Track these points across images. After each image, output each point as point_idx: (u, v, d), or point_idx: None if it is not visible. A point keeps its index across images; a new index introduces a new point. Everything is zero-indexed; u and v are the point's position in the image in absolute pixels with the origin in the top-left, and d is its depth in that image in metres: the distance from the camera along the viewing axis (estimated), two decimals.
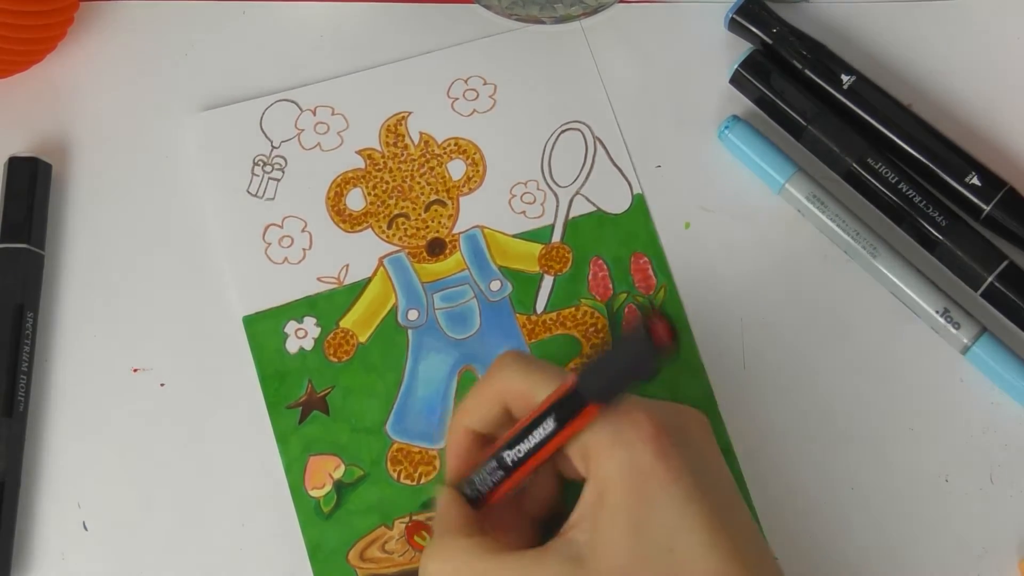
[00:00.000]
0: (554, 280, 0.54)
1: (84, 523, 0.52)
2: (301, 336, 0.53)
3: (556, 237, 0.55)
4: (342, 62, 0.57)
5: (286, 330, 0.54)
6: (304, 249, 0.55)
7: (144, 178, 0.56)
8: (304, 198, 0.55)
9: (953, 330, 0.51)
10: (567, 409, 0.43)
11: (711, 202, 0.55)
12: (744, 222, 0.55)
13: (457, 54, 0.57)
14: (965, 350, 0.52)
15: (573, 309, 0.54)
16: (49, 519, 0.52)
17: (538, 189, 0.55)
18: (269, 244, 0.55)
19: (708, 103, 0.56)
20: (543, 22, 0.57)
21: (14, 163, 0.55)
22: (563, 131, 0.56)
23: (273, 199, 0.55)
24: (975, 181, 0.53)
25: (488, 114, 0.56)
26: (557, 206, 0.55)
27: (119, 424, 0.53)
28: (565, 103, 0.56)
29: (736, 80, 0.55)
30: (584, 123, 0.56)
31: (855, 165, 0.53)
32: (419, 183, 0.55)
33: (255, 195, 0.55)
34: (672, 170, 0.55)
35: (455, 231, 0.55)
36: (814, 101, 0.54)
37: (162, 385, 0.53)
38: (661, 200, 0.55)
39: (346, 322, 0.54)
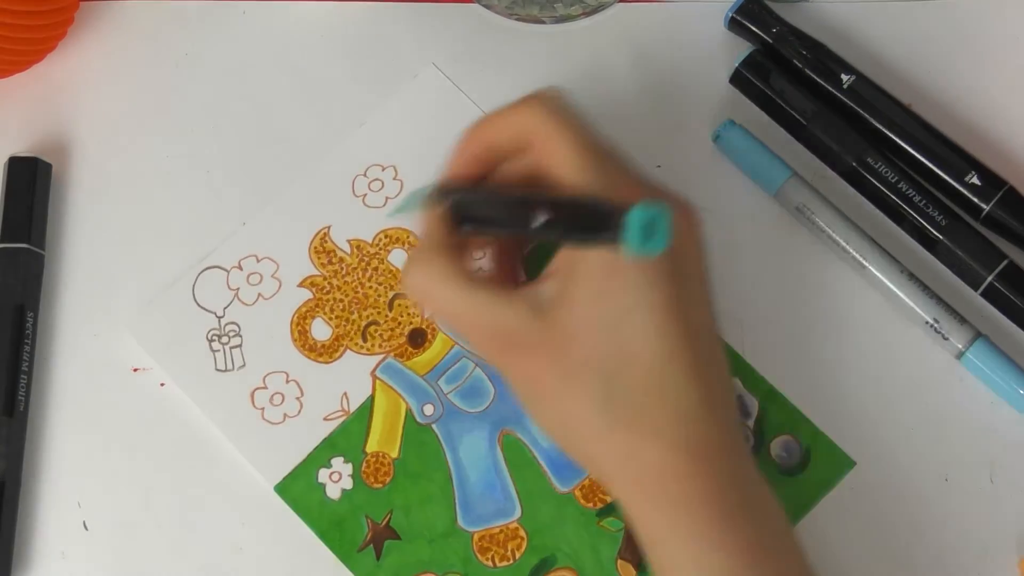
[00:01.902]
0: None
1: (84, 523, 0.52)
2: (336, 480, 0.52)
3: (521, 278, 0.53)
4: (342, 62, 0.57)
5: (320, 480, 0.52)
6: (297, 398, 0.53)
7: (144, 178, 0.56)
8: (273, 351, 0.54)
9: (943, 340, 0.51)
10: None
11: (711, 202, 0.55)
12: (745, 222, 0.54)
13: (345, 152, 0.56)
14: (959, 355, 0.52)
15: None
16: (49, 519, 0.52)
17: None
18: (262, 409, 0.53)
19: (708, 103, 0.56)
20: (543, 22, 0.57)
21: (14, 163, 0.55)
22: None
23: (244, 366, 0.54)
24: (975, 180, 0.53)
25: (401, 195, 0.55)
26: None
27: (119, 424, 0.53)
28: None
29: (736, 80, 0.55)
30: None
31: (855, 164, 0.53)
32: (371, 287, 0.54)
33: (225, 370, 0.54)
34: (672, 170, 0.55)
35: (427, 315, 0.54)
36: (814, 100, 0.54)
37: (162, 385, 0.53)
38: None
39: (371, 446, 0.52)
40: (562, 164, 0.44)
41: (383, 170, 0.56)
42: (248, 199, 0.56)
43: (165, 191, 0.56)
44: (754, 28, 0.55)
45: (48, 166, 0.56)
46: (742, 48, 0.56)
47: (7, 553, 0.51)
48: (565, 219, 0.42)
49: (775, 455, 0.52)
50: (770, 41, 0.55)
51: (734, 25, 0.56)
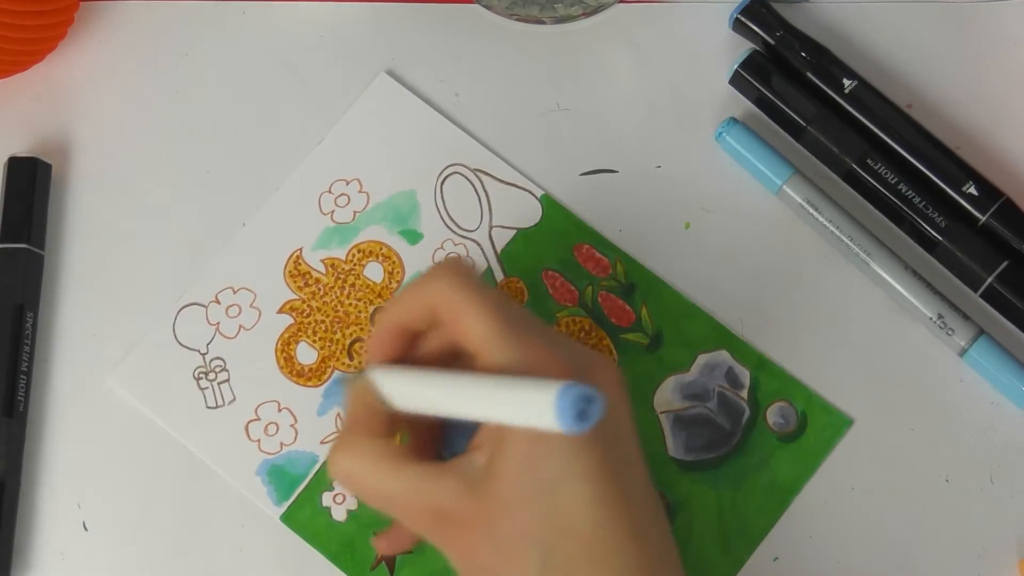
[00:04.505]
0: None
1: (84, 523, 0.52)
2: (340, 501, 0.52)
3: (499, 276, 0.54)
4: (342, 63, 0.57)
5: (325, 504, 0.52)
6: (292, 426, 0.53)
7: (144, 178, 0.56)
8: (261, 381, 0.54)
9: (948, 335, 0.52)
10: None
11: (711, 202, 0.55)
12: (745, 222, 0.55)
13: (307, 171, 0.56)
14: (962, 353, 0.52)
15: (556, 328, 0.53)
16: (49, 519, 0.52)
17: (455, 245, 0.55)
18: (259, 440, 0.53)
19: (708, 103, 0.56)
20: (543, 22, 0.57)
21: (14, 163, 0.55)
22: (443, 181, 0.55)
23: (235, 400, 0.53)
24: (972, 191, 0.53)
25: (369, 208, 0.55)
26: (481, 249, 0.55)
27: (119, 424, 0.53)
28: (426, 158, 0.56)
29: (735, 80, 0.55)
30: (457, 163, 0.55)
31: (855, 166, 0.53)
32: (351, 303, 0.54)
33: (216, 407, 0.53)
34: (672, 170, 0.55)
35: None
36: (814, 102, 0.54)
37: None
38: (661, 200, 0.55)
39: None
40: (475, 340, 0.43)
41: (347, 184, 0.56)
42: (248, 199, 0.56)
43: (165, 191, 0.56)
44: (758, 29, 0.55)
45: (48, 166, 0.55)
46: (743, 48, 0.55)
47: (7, 554, 0.51)
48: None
49: (771, 423, 0.52)
50: (772, 43, 0.55)
51: (738, 25, 0.56)
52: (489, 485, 0.42)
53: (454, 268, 0.45)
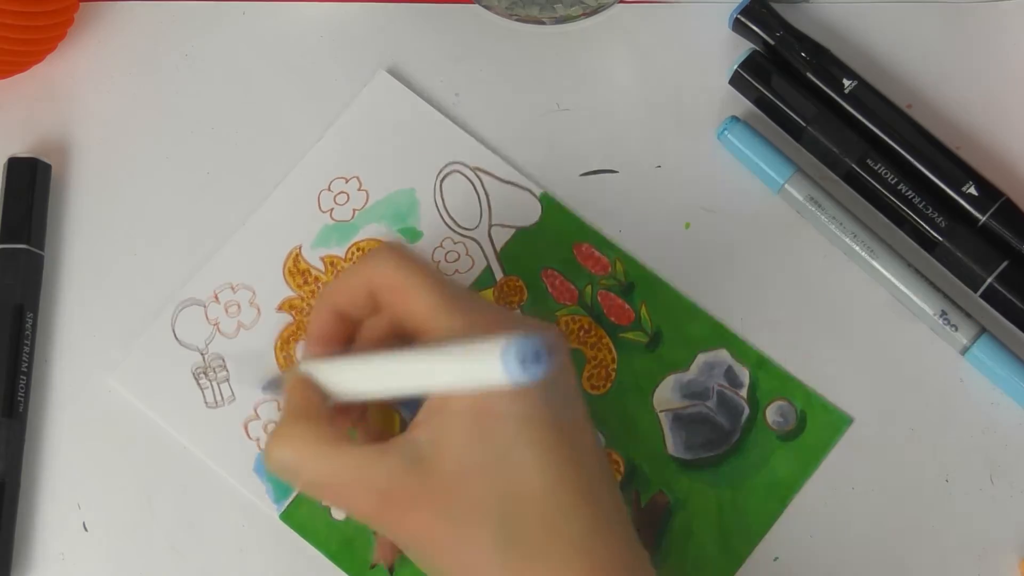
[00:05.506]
0: (521, 313, 0.54)
1: (84, 523, 0.52)
2: None
3: (498, 275, 0.54)
4: (342, 63, 0.57)
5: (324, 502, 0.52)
6: None
7: (144, 178, 0.56)
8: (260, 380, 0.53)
9: (951, 332, 0.52)
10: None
11: (711, 202, 0.55)
12: (745, 222, 0.55)
13: (306, 168, 0.56)
14: (964, 351, 0.52)
15: (556, 326, 0.54)
16: (49, 519, 0.52)
17: (455, 244, 0.55)
18: (258, 439, 0.53)
19: (708, 103, 0.56)
20: (543, 23, 0.57)
21: (14, 163, 0.55)
22: (442, 179, 0.55)
23: (234, 398, 0.53)
24: (972, 191, 0.53)
25: (368, 206, 0.55)
26: (481, 248, 0.55)
27: (119, 425, 0.53)
28: (426, 157, 0.56)
29: (735, 81, 0.55)
30: (456, 161, 0.55)
31: (855, 166, 0.53)
32: None
33: (215, 405, 0.53)
34: (672, 170, 0.55)
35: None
36: (814, 102, 0.54)
37: None
38: (661, 200, 0.55)
39: None
40: (420, 314, 0.43)
41: (347, 182, 0.56)
42: (248, 198, 0.56)
43: (165, 191, 0.56)
44: (758, 30, 0.55)
45: (48, 166, 0.55)
46: (744, 48, 0.56)
47: (6, 555, 0.51)
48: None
49: (771, 421, 0.52)
50: (772, 43, 0.55)
51: (738, 26, 0.56)
52: (436, 460, 0.42)
53: (393, 247, 0.45)
